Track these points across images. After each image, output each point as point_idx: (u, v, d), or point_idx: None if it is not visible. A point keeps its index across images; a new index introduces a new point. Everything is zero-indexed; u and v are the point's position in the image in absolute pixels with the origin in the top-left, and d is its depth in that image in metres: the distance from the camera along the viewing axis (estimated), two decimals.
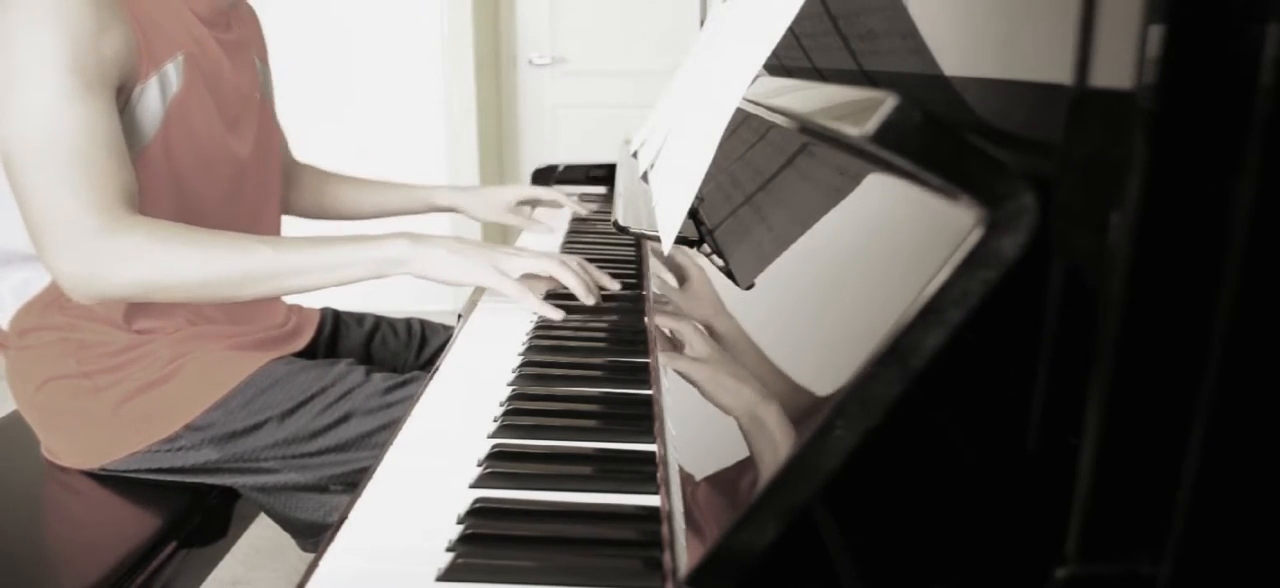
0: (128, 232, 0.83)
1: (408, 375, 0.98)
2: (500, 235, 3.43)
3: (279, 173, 1.17)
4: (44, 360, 0.96)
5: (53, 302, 0.95)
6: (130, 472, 0.97)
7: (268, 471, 0.96)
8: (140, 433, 0.95)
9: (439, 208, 1.38)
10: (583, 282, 0.92)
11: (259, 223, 1.11)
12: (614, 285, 0.96)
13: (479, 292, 1.03)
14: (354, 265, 0.89)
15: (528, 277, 0.92)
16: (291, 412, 0.94)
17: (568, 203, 1.45)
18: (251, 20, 1.12)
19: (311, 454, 0.94)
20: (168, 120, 0.92)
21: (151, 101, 0.90)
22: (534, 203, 1.45)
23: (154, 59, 0.89)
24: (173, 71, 0.91)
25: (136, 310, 0.97)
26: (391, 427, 0.90)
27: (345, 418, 0.94)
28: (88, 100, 0.82)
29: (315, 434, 0.94)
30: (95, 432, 0.96)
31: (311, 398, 0.95)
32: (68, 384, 0.95)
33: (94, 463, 0.97)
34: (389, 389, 0.95)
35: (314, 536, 0.99)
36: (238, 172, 1.04)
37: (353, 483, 0.94)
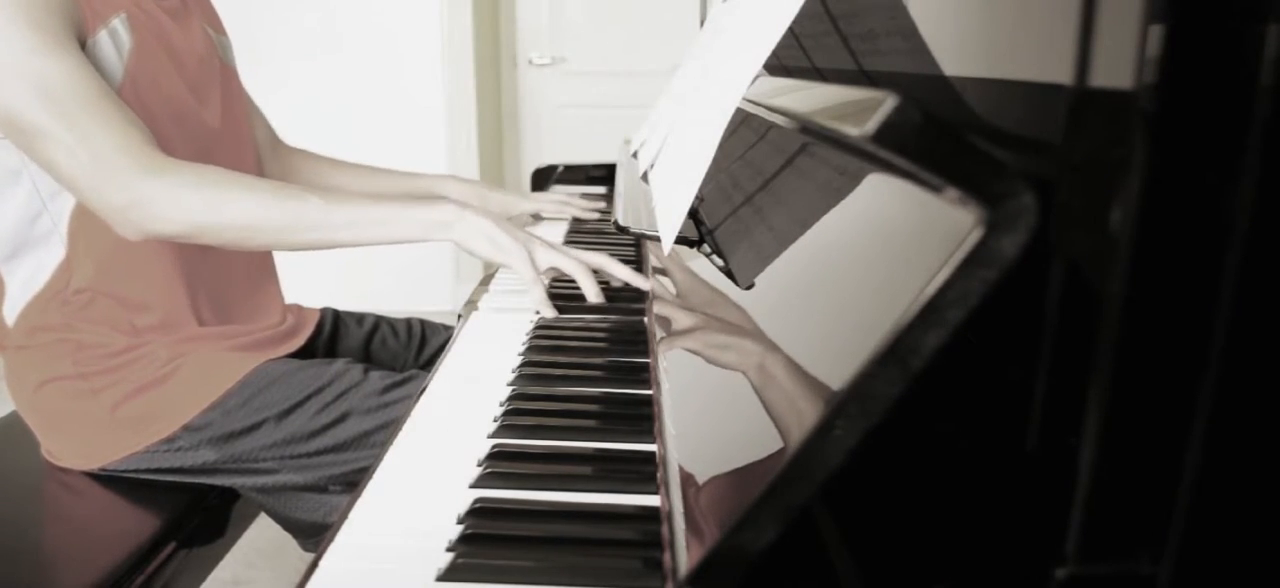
0: (175, 171, 0.84)
1: (405, 374, 0.98)
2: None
3: (251, 143, 1.16)
4: (42, 362, 0.96)
5: (53, 298, 0.95)
6: (130, 472, 0.97)
7: (266, 471, 0.96)
8: (138, 434, 0.95)
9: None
10: (595, 287, 0.91)
11: None
12: (645, 283, 0.93)
13: (479, 292, 1.03)
14: (401, 224, 0.89)
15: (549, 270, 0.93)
16: (289, 412, 0.94)
17: (574, 208, 1.41)
18: None
19: (310, 454, 0.94)
20: (130, 75, 0.91)
21: (107, 55, 0.90)
22: (537, 217, 1.42)
23: (97, 16, 0.89)
24: (121, 28, 0.91)
25: (136, 309, 0.97)
26: (390, 426, 0.90)
27: (343, 418, 0.94)
28: (64, 53, 0.83)
29: (313, 434, 0.94)
30: (93, 433, 0.96)
31: (309, 398, 0.95)
32: (65, 386, 0.95)
33: (93, 464, 0.97)
34: (387, 389, 0.95)
35: (314, 535, 0.99)
36: (207, 136, 1.03)
37: (352, 483, 0.94)
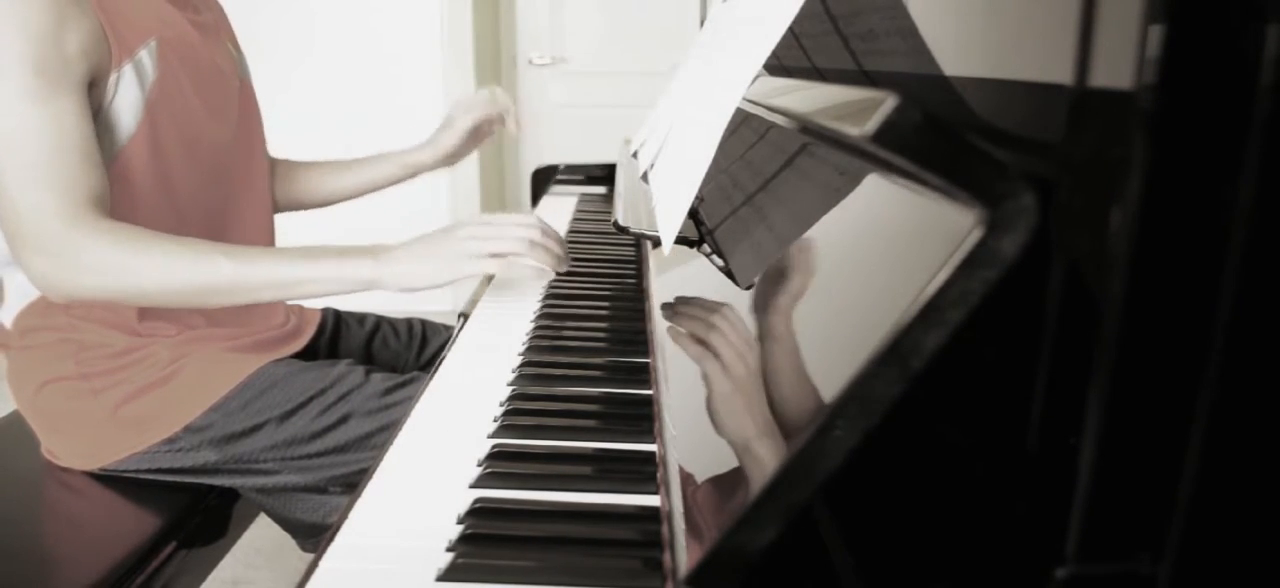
0: (92, 239, 0.82)
1: (407, 376, 0.98)
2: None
3: (264, 158, 1.16)
4: (44, 361, 0.96)
5: (56, 303, 0.95)
6: (130, 472, 0.97)
7: (267, 472, 0.96)
8: (139, 435, 0.95)
9: (426, 167, 1.29)
10: (550, 254, 0.87)
11: (239, 207, 1.09)
12: (562, 266, 0.88)
13: (480, 292, 1.03)
14: (318, 283, 0.86)
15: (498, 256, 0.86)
16: (290, 413, 0.94)
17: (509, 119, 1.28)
18: (216, 7, 1.11)
19: (311, 456, 0.94)
20: (150, 109, 0.91)
21: (129, 91, 0.89)
22: (489, 120, 1.28)
23: (125, 47, 0.89)
24: (147, 58, 0.91)
25: (143, 312, 0.97)
26: (391, 428, 0.90)
27: (344, 419, 0.94)
28: (53, 101, 0.82)
29: (314, 436, 0.94)
30: (94, 433, 0.96)
31: (310, 400, 0.95)
32: (67, 386, 0.95)
33: (93, 464, 0.97)
34: (388, 390, 0.95)
35: (314, 536, 0.99)
36: (219, 156, 1.03)
37: (352, 484, 0.94)
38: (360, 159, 1.31)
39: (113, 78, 0.88)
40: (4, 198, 0.82)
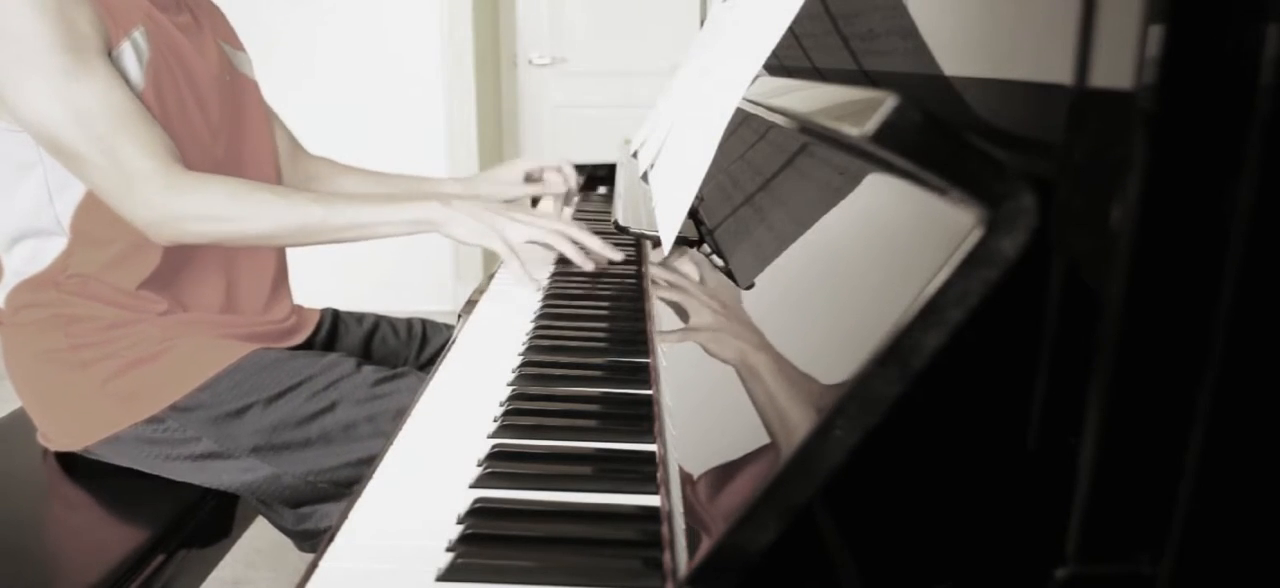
0: (191, 191, 0.91)
1: (398, 369, 0.98)
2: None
3: (269, 158, 1.16)
4: (35, 336, 0.97)
5: (47, 280, 0.96)
6: (122, 464, 0.96)
7: (254, 463, 0.95)
8: (127, 410, 0.95)
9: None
10: (579, 250, 0.98)
11: None
12: (617, 255, 1.02)
13: (479, 292, 1.03)
14: (394, 224, 0.98)
15: (531, 244, 0.99)
16: (279, 396, 0.95)
17: (569, 177, 1.39)
18: (209, 7, 1.12)
19: (297, 444, 0.94)
20: (150, 82, 0.94)
21: (129, 65, 0.93)
22: (541, 171, 1.38)
23: (120, 26, 0.92)
24: (140, 39, 0.94)
25: (139, 284, 0.97)
26: (378, 419, 0.92)
27: (332, 407, 0.94)
28: (91, 74, 0.87)
29: (301, 421, 0.94)
30: (83, 408, 0.96)
31: (300, 384, 0.95)
32: (58, 358, 0.96)
33: (82, 442, 0.97)
34: (378, 382, 0.95)
35: (309, 539, 0.99)
36: (211, 151, 1.04)
37: (341, 481, 0.94)
38: (401, 175, 1.37)
39: (114, 53, 0.91)
40: (93, 171, 0.89)
